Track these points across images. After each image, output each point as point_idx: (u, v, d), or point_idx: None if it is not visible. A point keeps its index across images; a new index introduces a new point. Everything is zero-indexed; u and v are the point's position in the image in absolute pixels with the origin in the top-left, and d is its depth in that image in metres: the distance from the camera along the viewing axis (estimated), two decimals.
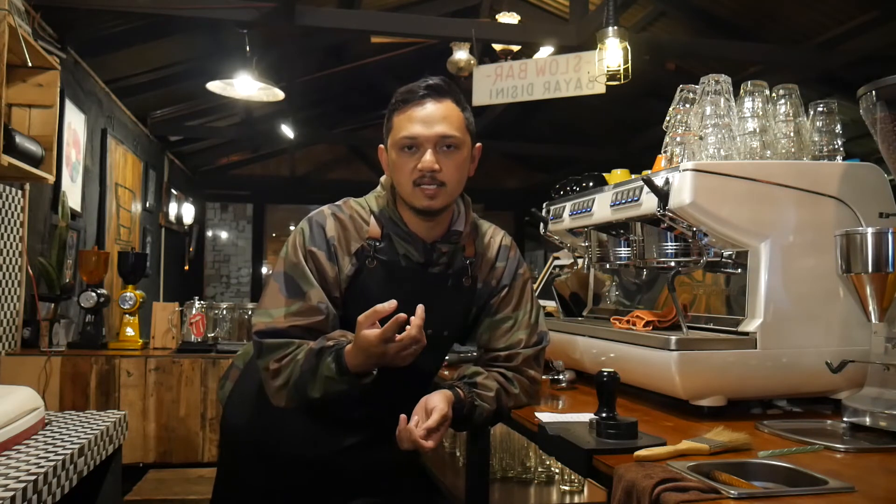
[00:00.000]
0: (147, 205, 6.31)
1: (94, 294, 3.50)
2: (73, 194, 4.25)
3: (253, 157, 9.78)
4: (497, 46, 4.90)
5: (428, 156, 1.46)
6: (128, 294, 3.62)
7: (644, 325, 1.76)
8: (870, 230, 1.37)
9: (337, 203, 1.59)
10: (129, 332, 3.61)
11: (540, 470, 2.51)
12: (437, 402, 1.44)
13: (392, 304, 1.34)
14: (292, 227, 1.61)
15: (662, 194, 1.57)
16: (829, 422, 1.47)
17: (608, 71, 3.58)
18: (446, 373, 2.11)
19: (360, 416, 1.54)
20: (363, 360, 1.38)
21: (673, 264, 1.70)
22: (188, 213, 7.99)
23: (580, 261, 2.39)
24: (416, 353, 1.38)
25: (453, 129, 1.49)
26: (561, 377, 1.98)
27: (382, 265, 1.53)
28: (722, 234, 1.59)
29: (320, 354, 1.42)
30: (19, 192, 3.43)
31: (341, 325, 1.52)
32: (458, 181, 1.52)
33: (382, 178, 1.62)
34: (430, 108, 1.49)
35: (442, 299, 1.55)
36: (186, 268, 8.61)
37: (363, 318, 1.35)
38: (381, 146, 1.58)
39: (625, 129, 7.48)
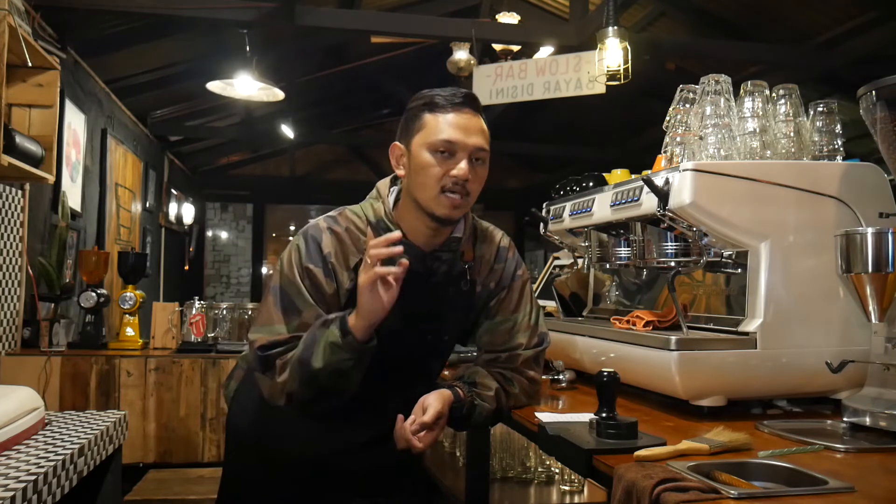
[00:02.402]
0: (147, 205, 6.31)
1: (94, 294, 3.50)
2: (73, 194, 4.25)
3: (253, 157, 9.78)
4: (497, 46, 4.89)
5: (464, 164, 1.44)
6: (128, 294, 3.62)
7: (644, 325, 1.76)
8: (870, 230, 1.37)
9: (332, 214, 1.55)
10: (129, 332, 3.61)
11: (540, 470, 2.51)
12: (432, 401, 1.44)
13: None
14: (292, 227, 1.60)
15: (662, 194, 1.57)
16: (829, 422, 1.47)
17: (608, 71, 3.58)
18: (446, 373, 2.10)
19: (361, 417, 1.54)
20: (361, 308, 1.37)
21: (673, 264, 1.70)
22: (188, 213, 7.99)
23: (580, 261, 2.38)
24: (394, 277, 1.35)
25: (486, 144, 1.49)
26: (561, 377, 1.98)
27: None
28: (722, 234, 1.59)
29: (325, 323, 1.41)
30: (19, 192, 3.43)
31: None
32: (476, 196, 1.51)
33: (379, 184, 1.59)
34: (469, 118, 1.47)
35: (441, 305, 1.55)
36: (186, 268, 8.61)
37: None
38: (396, 143, 1.53)
39: (625, 129, 7.48)
